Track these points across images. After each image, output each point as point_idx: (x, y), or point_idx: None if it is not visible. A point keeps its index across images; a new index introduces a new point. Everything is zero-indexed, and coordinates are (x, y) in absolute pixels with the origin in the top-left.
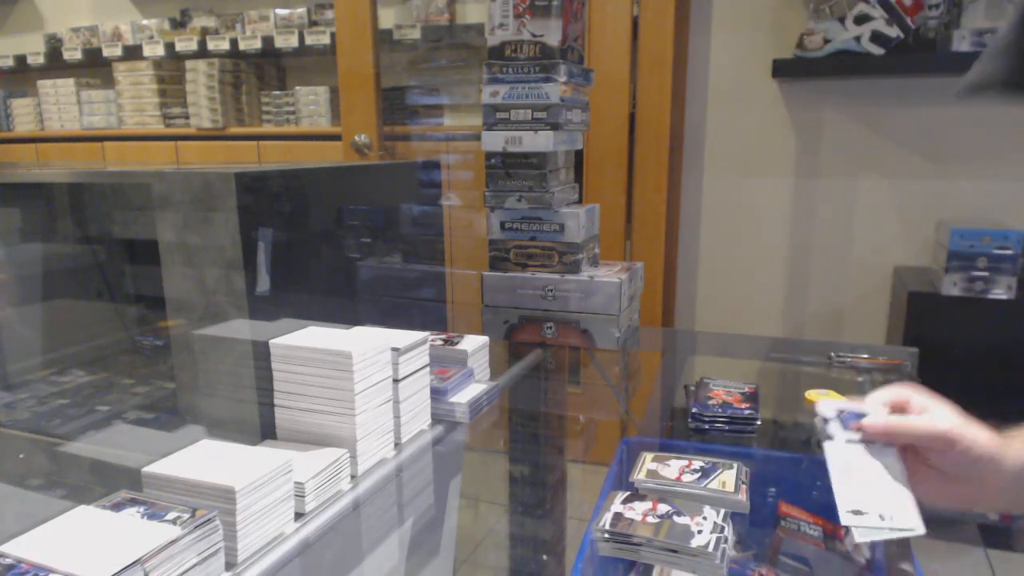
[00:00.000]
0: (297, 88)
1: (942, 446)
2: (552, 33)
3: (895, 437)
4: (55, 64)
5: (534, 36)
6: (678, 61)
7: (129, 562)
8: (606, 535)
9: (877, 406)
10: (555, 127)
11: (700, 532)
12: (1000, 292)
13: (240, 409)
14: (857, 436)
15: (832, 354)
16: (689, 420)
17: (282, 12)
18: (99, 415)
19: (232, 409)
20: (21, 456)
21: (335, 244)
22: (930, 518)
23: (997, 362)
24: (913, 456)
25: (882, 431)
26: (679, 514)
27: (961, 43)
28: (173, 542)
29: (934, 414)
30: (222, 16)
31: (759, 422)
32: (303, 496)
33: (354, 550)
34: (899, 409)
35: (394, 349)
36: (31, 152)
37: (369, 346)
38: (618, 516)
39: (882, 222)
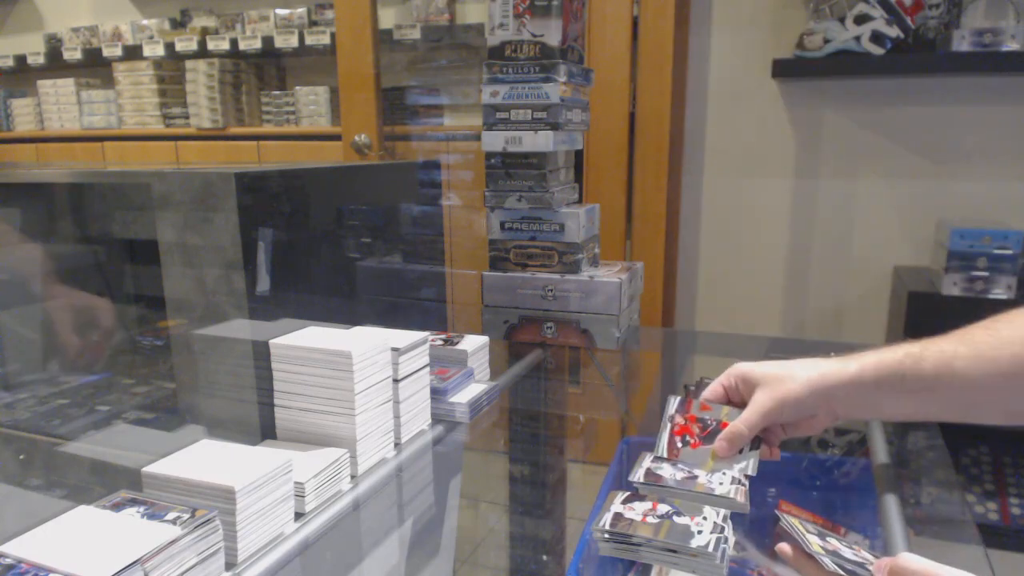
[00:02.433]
0: (297, 88)
1: (774, 419)
2: (552, 33)
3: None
4: (55, 64)
5: (534, 36)
6: (678, 61)
7: (129, 562)
8: (606, 535)
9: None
10: (555, 127)
11: (700, 532)
12: (1000, 292)
13: (240, 409)
14: None
15: (832, 354)
16: None
17: (282, 12)
18: (99, 415)
19: (232, 409)
20: (21, 456)
21: (335, 244)
22: (930, 518)
23: None
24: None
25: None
26: (679, 514)
27: (961, 43)
28: (173, 542)
29: (748, 410)
30: (222, 16)
31: None
32: (303, 496)
33: (354, 550)
34: (735, 395)
35: (394, 349)
36: (31, 152)
37: (369, 346)
38: (618, 516)
39: (882, 222)
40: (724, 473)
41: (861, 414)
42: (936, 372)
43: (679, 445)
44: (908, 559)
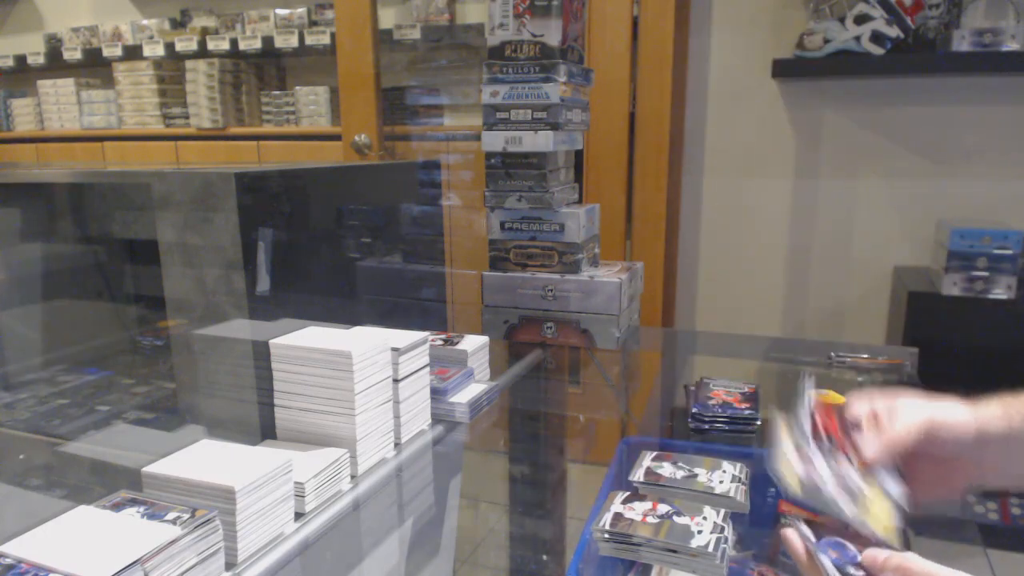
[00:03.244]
0: (297, 88)
1: (926, 441)
2: (552, 33)
3: (885, 459)
4: (55, 64)
5: (534, 36)
6: (678, 61)
7: (129, 562)
8: (606, 535)
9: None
10: (555, 127)
11: (700, 532)
12: (1000, 292)
13: (240, 409)
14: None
15: (832, 354)
16: (689, 420)
17: (282, 12)
18: (99, 415)
19: (232, 409)
20: (21, 456)
21: (335, 244)
22: (930, 518)
23: (997, 362)
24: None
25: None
26: (679, 514)
27: (961, 43)
28: (173, 542)
29: (903, 416)
30: (222, 16)
31: (759, 422)
32: (303, 496)
33: (354, 550)
34: (871, 422)
35: (394, 349)
36: (31, 152)
37: (369, 346)
38: (618, 516)
39: (882, 222)
40: (723, 472)
41: (1011, 467)
42: None
43: (821, 439)
44: (914, 560)
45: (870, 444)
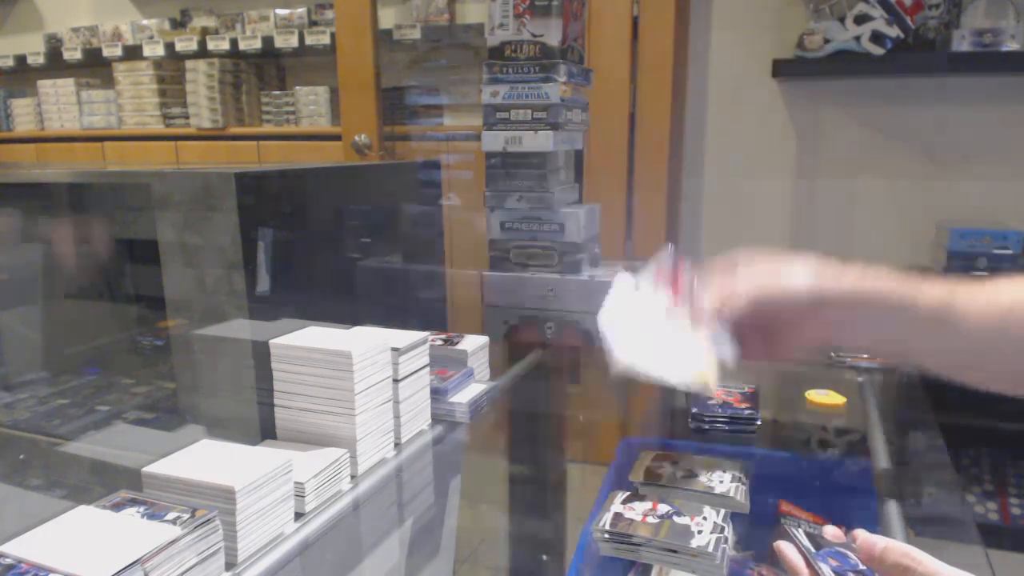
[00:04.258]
0: (297, 88)
1: (756, 307)
2: (552, 33)
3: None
4: (55, 64)
5: (534, 36)
6: (678, 61)
7: (129, 562)
8: (606, 535)
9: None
10: (555, 127)
11: (700, 532)
12: None
13: (240, 409)
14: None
15: (832, 354)
16: (689, 420)
17: (282, 12)
18: (99, 415)
19: (232, 409)
20: (21, 456)
21: (335, 244)
22: (930, 518)
23: None
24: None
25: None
26: (679, 514)
27: (961, 43)
28: (173, 542)
29: (739, 278)
30: (222, 16)
31: (759, 422)
32: (303, 496)
33: (354, 550)
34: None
35: (394, 349)
36: (31, 152)
37: (369, 346)
38: (618, 516)
39: (882, 222)
40: (723, 472)
41: (848, 333)
42: (938, 298)
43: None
44: (915, 555)
45: (701, 303)
